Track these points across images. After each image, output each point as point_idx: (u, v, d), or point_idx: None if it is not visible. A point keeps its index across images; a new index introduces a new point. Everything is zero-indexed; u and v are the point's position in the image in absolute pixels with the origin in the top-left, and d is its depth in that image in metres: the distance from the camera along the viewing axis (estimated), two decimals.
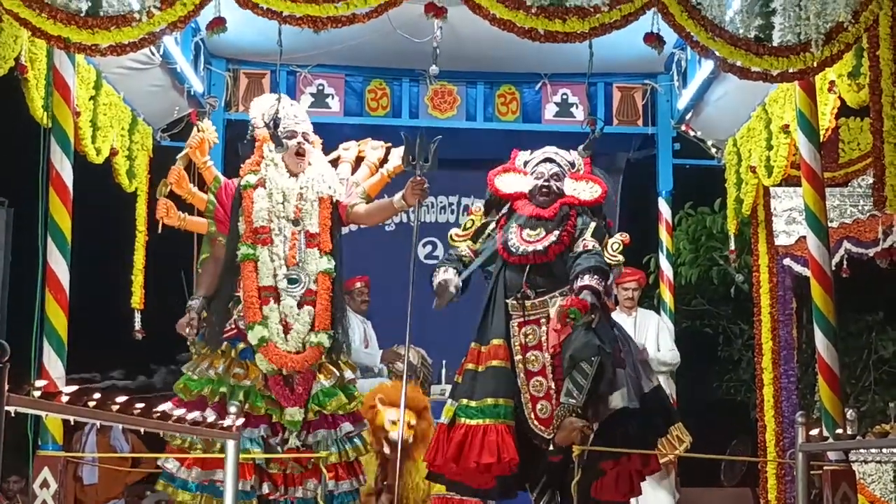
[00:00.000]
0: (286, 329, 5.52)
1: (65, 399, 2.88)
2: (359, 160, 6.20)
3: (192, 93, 8.58)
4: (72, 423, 2.98)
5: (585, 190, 5.68)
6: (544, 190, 5.62)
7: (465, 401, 5.47)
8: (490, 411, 5.38)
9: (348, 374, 5.67)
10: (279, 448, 5.50)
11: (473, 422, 5.39)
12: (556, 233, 5.54)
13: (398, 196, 5.73)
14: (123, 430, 8.10)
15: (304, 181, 5.72)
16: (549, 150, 5.83)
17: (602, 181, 5.74)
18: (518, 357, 5.50)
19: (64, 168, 6.00)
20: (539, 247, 5.51)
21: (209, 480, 5.42)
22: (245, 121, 6.54)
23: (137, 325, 8.31)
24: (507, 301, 5.55)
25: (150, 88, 8.08)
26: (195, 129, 6.10)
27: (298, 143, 5.73)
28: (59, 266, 5.91)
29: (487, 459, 5.30)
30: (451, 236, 5.86)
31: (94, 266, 8.24)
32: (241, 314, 5.58)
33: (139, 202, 8.35)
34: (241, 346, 5.56)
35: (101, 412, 3.06)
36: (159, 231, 6.08)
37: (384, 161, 6.16)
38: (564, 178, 5.68)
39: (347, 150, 6.19)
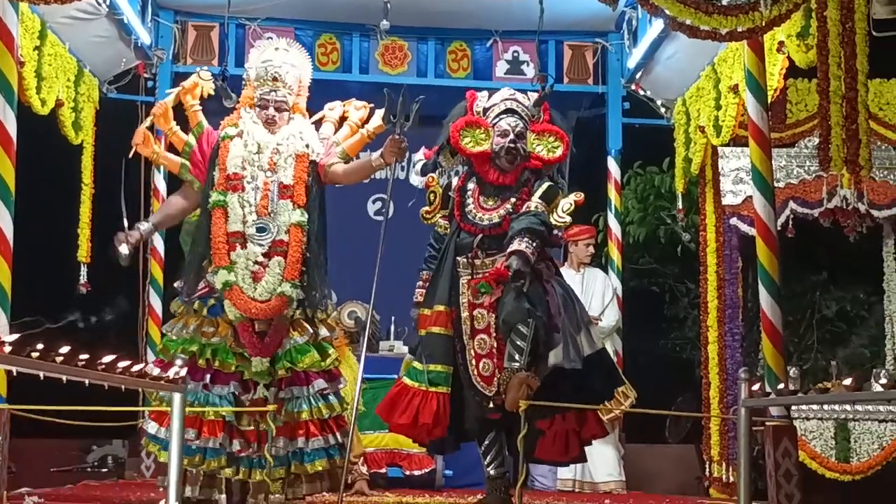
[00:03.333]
0: (255, 278, 5.50)
1: (7, 349, 2.85)
2: (343, 120, 6.12)
3: (140, 44, 8.50)
4: (14, 373, 2.94)
5: (548, 147, 5.62)
6: (512, 152, 5.56)
7: (415, 363, 5.56)
8: (421, 376, 5.49)
9: (323, 332, 5.62)
10: (248, 404, 5.47)
11: (409, 381, 5.53)
12: (513, 200, 5.54)
13: (376, 154, 5.67)
14: None
15: (281, 138, 5.66)
16: (508, 97, 5.69)
17: (563, 132, 5.68)
18: (465, 314, 5.54)
19: (7, 119, 5.93)
20: (495, 218, 5.52)
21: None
22: (193, 74, 6.46)
23: (83, 279, 8.26)
24: (458, 259, 5.57)
25: (96, 39, 7.98)
26: (195, 73, 5.96)
27: (267, 115, 5.66)
28: (3, 218, 5.85)
29: (404, 421, 5.48)
30: (421, 215, 5.81)
31: (38, 219, 8.15)
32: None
33: (85, 155, 8.27)
34: (212, 302, 5.53)
35: (45, 363, 3.03)
36: (129, 156, 5.94)
37: (366, 121, 6.09)
38: (527, 133, 5.62)
39: (332, 109, 6.12)
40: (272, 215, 5.56)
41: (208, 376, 5.40)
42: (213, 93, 5.93)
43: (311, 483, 5.58)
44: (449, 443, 5.75)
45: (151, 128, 5.81)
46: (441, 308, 5.55)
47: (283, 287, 5.47)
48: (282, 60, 5.77)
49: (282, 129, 5.69)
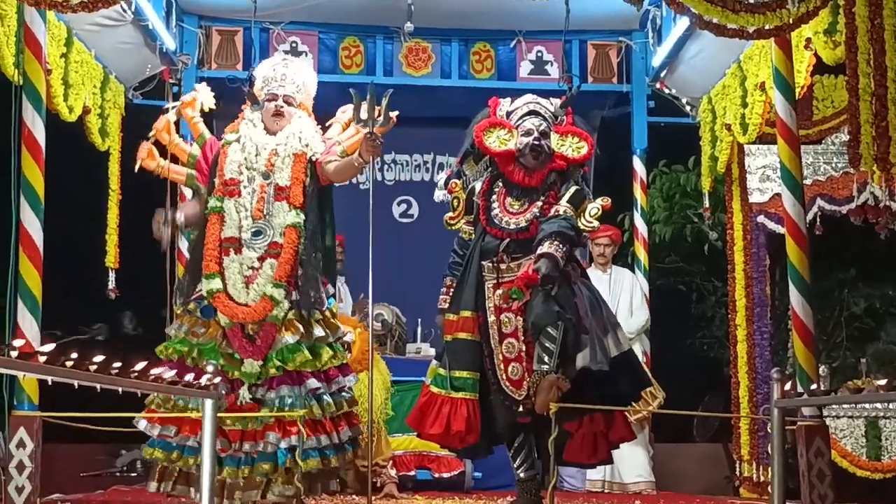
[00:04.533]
0: (248, 282, 5.50)
1: (42, 359, 2.85)
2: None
3: (165, 50, 8.51)
4: (49, 383, 2.95)
5: (573, 147, 5.63)
6: (536, 149, 5.57)
7: (440, 369, 5.54)
8: (445, 382, 5.49)
9: (318, 332, 5.52)
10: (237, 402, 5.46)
11: (436, 389, 5.52)
12: (539, 204, 5.53)
13: (356, 153, 5.69)
14: None
15: (281, 138, 5.70)
16: (531, 100, 5.74)
17: (587, 134, 5.70)
18: (492, 318, 5.52)
19: (36, 126, 5.95)
20: (522, 222, 5.51)
21: (162, 436, 5.46)
22: (218, 78, 6.54)
23: (111, 285, 8.28)
24: (483, 263, 5.56)
25: (121, 46, 8.01)
26: (193, 87, 6.05)
27: (276, 105, 5.71)
28: (33, 225, 5.87)
29: (436, 430, 5.48)
30: (445, 221, 5.81)
31: (67, 225, 8.19)
32: None
33: (112, 161, 8.29)
34: (206, 303, 5.54)
35: (79, 372, 3.04)
36: (135, 170, 5.98)
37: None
38: (550, 133, 5.63)
39: (344, 112, 6.15)
40: (267, 218, 5.57)
41: (192, 375, 5.36)
42: (213, 107, 6.00)
43: (305, 482, 5.44)
44: (482, 448, 5.74)
45: (157, 143, 5.85)
46: (467, 313, 5.54)
47: (269, 289, 5.47)
48: (290, 63, 5.90)
49: (283, 128, 5.72)
